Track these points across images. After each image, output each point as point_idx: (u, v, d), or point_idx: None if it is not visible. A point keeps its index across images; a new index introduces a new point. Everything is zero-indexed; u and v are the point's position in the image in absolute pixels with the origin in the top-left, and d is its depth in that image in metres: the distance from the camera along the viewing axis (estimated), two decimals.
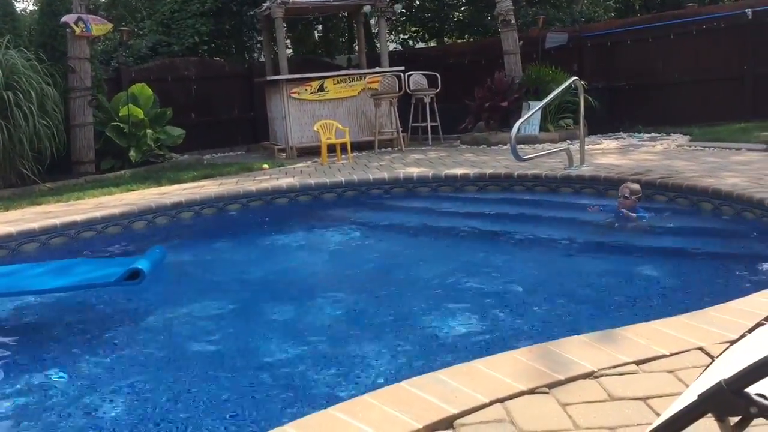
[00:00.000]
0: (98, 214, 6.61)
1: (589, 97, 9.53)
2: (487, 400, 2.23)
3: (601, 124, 10.96)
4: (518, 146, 6.82)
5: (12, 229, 6.04)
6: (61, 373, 3.63)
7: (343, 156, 9.84)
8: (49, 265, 4.95)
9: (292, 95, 10.99)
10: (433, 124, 11.40)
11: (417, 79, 11.80)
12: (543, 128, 10.57)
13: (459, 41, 17.67)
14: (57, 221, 6.32)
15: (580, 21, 13.55)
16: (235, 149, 12.86)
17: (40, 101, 8.38)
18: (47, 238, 6.17)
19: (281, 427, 2.16)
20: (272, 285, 5.29)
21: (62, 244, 6.21)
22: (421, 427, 2.09)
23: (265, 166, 9.50)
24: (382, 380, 3.19)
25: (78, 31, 9.25)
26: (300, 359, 3.63)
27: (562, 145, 8.50)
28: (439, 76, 11.68)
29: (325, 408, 2.28)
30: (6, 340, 4.28)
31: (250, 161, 10.27)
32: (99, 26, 9.59)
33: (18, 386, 3.48)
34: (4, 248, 5.86)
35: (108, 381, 3.49)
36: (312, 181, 7.83)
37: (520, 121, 7.08)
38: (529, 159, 7.20)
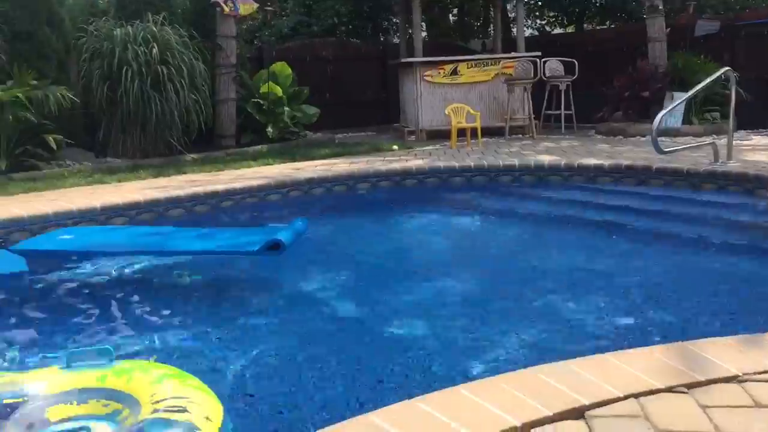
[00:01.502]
0: (238, 185, 6.95)
1: (740, 90, 8.93)
2: (621, 394, 2.18)
3: (752, 118, 10.25)
4: (659, 138, 6.51)
5: (160, 194, 6.48)
6: (186, 334, 3.85)
7: (472, 141, 9.79)
8: (196, 230, 5.28)
9: (425, 78, 11.03)
10: (567, 112, 11.10)
11: (553, 66, 11.51)
12: (686, 121, 10.03)
13: (599, 27, 17.04)
14: (201, 189, 6.71)
15: (734, 8, 12.69)
16: (365, 130, 13.09)
17: (191, 76, 8.88)
18: (192, 204, 6.57)
19: (411, 400, 2.21)
20: (397, 264, 5.38)
21: (204, 211, 6.59)
22: (551, 413, 2.07)
23: (395, 147, 9.62)
24: (508, 366, 3.18)
25: (227, 10, 9.72)
26: (423, 339, 3.68)
27: (707, 140, 8.03)
28: (576, 63, 11.33)
29: (453, 386, 2.31)
30: (143, 295, 4.61)
31: (380, 142, 10.43)
32: (246, 6, 10.03)
33: (145, 342, 3.74)
34: (153, 212, 6.29)
35: (235, 345, 3.67)
36: (441, 164, 7.84)
37: (663, 111, 6.74)
38: (670, 152, 6.86)
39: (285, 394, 3.12)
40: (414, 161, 8.14)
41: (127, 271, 5.05)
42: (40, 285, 4.79)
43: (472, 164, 7.73)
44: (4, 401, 2.12)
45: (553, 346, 3.46)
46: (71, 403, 2.24)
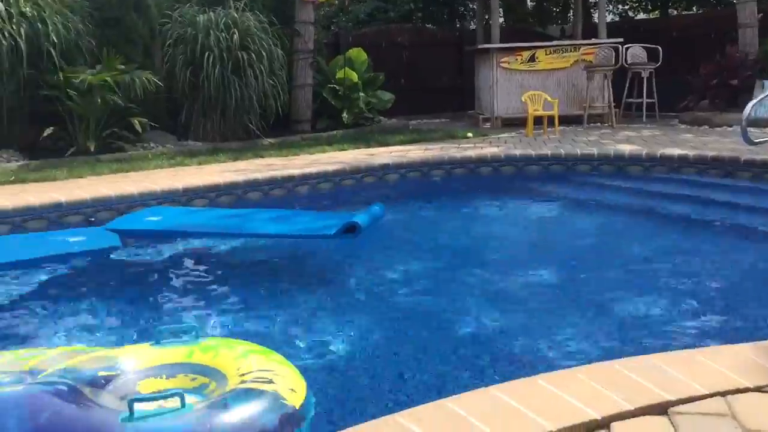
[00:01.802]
0: (313, 170, 7.04)
1: None
2: (707, 392, 2.11)
3: None
4: (748, 129, 6.23)
5: (239, 178, 6.63)
6: (264, 314, 3.93)
7: (549, 129, 9.60)
8: (273, 212, 5.40)
9: (502, 64, 10.88)
10: (650, 100, 10.74)
11: (635, 52, 11.15)
12: None
13: (685, 12, 16.39)
14: (278, 173, 6.84)
15: None
16: (440, 116, 13.02)
17: (269, 62, 9.03)
18: (269, 188, 6.70)
19: (486, 388, 2.20)
20: (470, 252, 5.35)
21: (281, 195, 6.71)
22: (633, 408, 2.03)
23: (470, 134, 9.55)
24: (585, 358, 3.13)
25: None
26: (496, 328, 3.66)
27: None
28: (660, 50, 10.95)
29: (531, 376, 2.29)
30: (221, 275, 4.74)
31: (455, 129, 10.35)
32: None
33: (225, 320, 3.85)
34: (232, 194, 6.45)
35: (306, 326, 3.73)
36: (517, 152, 7.74)
37: (755, 101, 6.43)
38: (760, 143, 6.55)
39: (357, 376, 3.17)
40: (489, 149, 8.06)
41: (211, 251, 5.21)
42: (130, 262, 4.99)
43: (548, 153, 7.59)
44: (99, 374, 2.22)
45: (631, 340, 3.39)
46: (161, 378, 2.35)
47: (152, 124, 8.52)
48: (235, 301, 4.14)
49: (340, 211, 5.76)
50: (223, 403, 2.11)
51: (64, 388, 2.10)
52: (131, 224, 5.23)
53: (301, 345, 3.47)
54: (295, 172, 6.92)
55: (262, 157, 8.08)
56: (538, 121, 9.68)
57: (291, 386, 2.25)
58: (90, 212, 5.74)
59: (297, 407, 2.18)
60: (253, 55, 8.82)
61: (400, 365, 3.25)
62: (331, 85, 10.22)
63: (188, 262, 5.01)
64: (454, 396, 2.18)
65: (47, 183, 6.52)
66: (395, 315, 3.91)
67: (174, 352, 2.45)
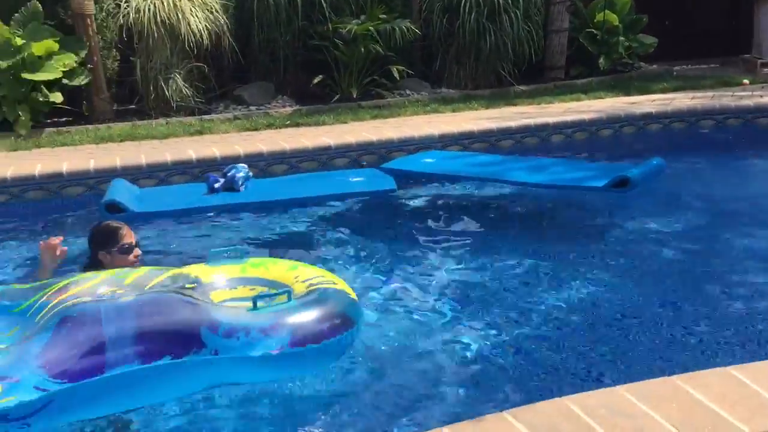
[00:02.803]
0: (568, 118, 6.83)
1: None
2: None
3: None
4: None
5: (493, 125, 6.64)
6: (517, 261, 3.92)
7: None
8: (539, 161, 5.35)
9: None
10: None
11: None
12: None
13: None
14: (531, 122, 6.74)
15: None
16: (708, 61, 11.82)
17: (525, 7, 8.83)
18: (521, 136, 6.64)
19: (726, 368, 2.03)
20: (743, 211, 4.87)
21: (534, 144, 6.61)
22: None
23: (746, 81, 8.58)
24: None
25: None
26: (760, 295, 3.34)
27: None
28: None
29: None
30: (482, 221, 4.81)
31: (727, 75, 9.38)
32: None
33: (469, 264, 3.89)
34: (486, 141, 6.48)
35: (563, 277, 3.66)
36: None
37: None
38: None
39: (615, 332, 3.07)
40: None
41: (475, 195, 5.32)
42: (399, 202, 5.24)
43: None
44: (186, 286, 2.68)
45: None
46: (227, 289, 2.86)
47: (408, 71, 8.79)
48: (491, 247, 4.20)
49: (607, 163, 5.53)
50: (317, 298, 2.66)
51: (175, 294, 2.57)
52: (408, 165, 5.50)
53: (549, 295, 3.44)
54: (550, 120, 6.77)
55: (514, 104, 8.00)
56: None
57: (345, 287, 2.84)
58: (354, 155, 6.14)
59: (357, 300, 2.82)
60: (509, 0, 8.67)
61: (668, 330, 3.09)
62: (589, 30, 9.71)
63: (455, 205, 5.14)
64: (688, 373, 2.11)
65: (318, 127, 7.06)
66: (661, 277, 3.71)
67: (229, 269, 2.94)
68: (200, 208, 4.90)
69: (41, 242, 3.30)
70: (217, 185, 5.05)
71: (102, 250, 3.25)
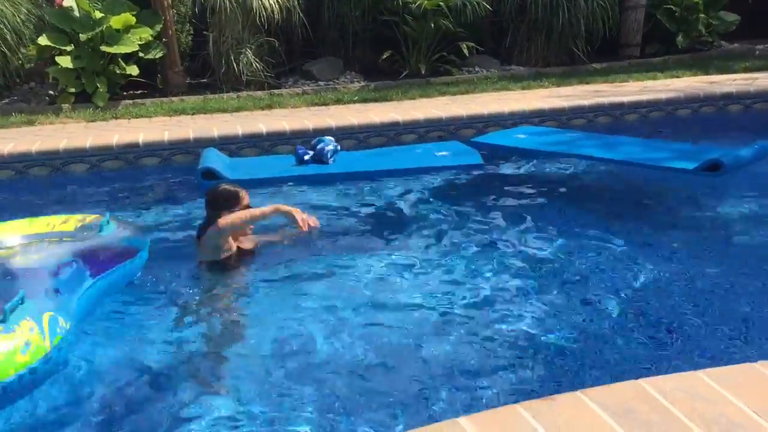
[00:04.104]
0: (644, 97, 6.62)
1: None
2: None
3: None
4: None
5: (565, 103, 6.49)
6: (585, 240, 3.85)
7: None
8: (634, 140, 5.23)
9: None
10: None
11: None
12: None
13: None
14: (605, 100, 6.56)
15: None
16: None
17: None
18: (594, 115, 6.47)
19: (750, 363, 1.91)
20: None
21: (606, 123, 6.43)
22: None
23: None
24: None
25: None
26: None
27: None
28: None
29: None
30: (567, 198, 4.72)
31: None
32: None
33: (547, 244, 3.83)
34: (557, 120, 6.35)
35: (632, 262, 3.56)
36: None
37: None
38: None
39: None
40: None
41: (565, 172, 5.27)
42: (484, 176, 5.19)
43: None
44: None
45: None
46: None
47: (477, 48, 8.67)
48: (570, 225, 4.13)
49: (702, 144, 5.30)
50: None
51: None
52: (498, 140, 5.47)
53: (615, 277, 3.36)
54: (624, 99, 6.57)
55: (587, 83, 7.80)
56: None
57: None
58: (422, 132, 6.11)
59: None
60: None
61: (748, 316, 2.98)
62: (668, 6, 9.35)
63: (542, 182, 5.07)
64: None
65: (385, 103, 7.05)
66: (742, 261, 3.57)
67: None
68: (291, 177, 5.01)
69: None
70: (306, 157, 5.13)
71: (226, 210, 3.48)
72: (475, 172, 5.13)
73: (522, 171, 5.34)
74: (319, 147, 5.15)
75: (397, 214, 4.45)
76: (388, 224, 4.30)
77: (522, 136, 5.50)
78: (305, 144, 5.34)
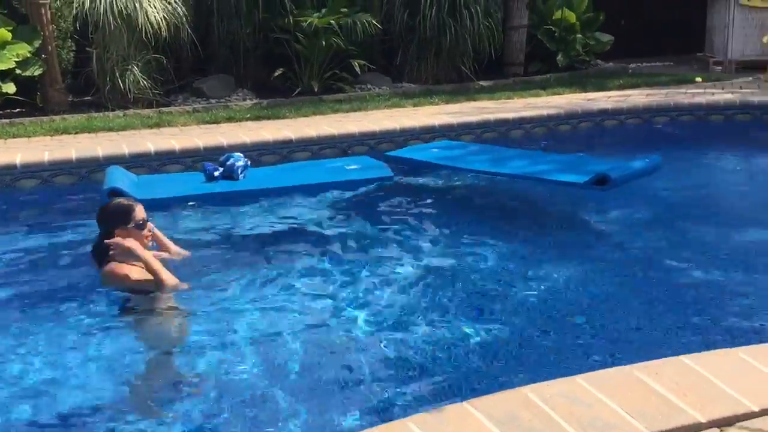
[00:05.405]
0: (527, 113, 6.92)
1: None
2: None
3: None
4: None
5: (453, 120, 6.69)
6: (486, 248, 4.00)
7: None
8: (525, 153, 5.54)
9: (740, 2, 9.81)
10: None
11: None
12: None
13: None
14: (491, 117, 6.80)
15: None
16: (662, 59, 12.08)
17: (485, 3, 8.91)
18: (481, 131, 6.70)
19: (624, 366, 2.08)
20: (694, 206, 5.01)
21: (492, 138, 6.66)
22: None
23: (699, 79, 8.80)
24: None
25: None
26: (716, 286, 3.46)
27: None
28: None
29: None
30: (467, 211, 4.87)
31: (681, 73, 9.59)
32: None
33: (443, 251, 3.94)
34: (446, 136, 6.50)
35: (529, 269, 3.72)
36: (755, 99, 7.03)
37: None
38: None
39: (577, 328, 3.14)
40: (722, 95, 7.40)
41: (473, 185, 5.42)
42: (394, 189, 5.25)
43: None
44: None
45: None
46: None
47: (369, 65, 8.79)
48: (470, 237, 4.26)
49: (595, 157, 5.58)
50: None
51: None
52: (412, 154, 5.67)
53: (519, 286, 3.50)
54: (509, 115, 6.84)
55: (474, 100, 8.06)
56: None
57: None
58: (316, 149, 6.12)
59: None
60: None
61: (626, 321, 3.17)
62: (547, 26, 9.85)
63: (448, 195, 5.24)
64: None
65: (278, 121, 7.02)
66: (619, 270, 3.80)
67: None
68: (201, 195, 4.91)
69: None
70: (216, 174, 5.04)
71: (118, 227, 3.32)
72: (386, 185, 5.23)
73: (431, 184, 5.45)
74: (229, 163, 5.09)
75: (307, 228, 4.45)
76: (297, 238, 4.30)
77: (435, 150, 5.68)
78: (213, 161, 5.25)
